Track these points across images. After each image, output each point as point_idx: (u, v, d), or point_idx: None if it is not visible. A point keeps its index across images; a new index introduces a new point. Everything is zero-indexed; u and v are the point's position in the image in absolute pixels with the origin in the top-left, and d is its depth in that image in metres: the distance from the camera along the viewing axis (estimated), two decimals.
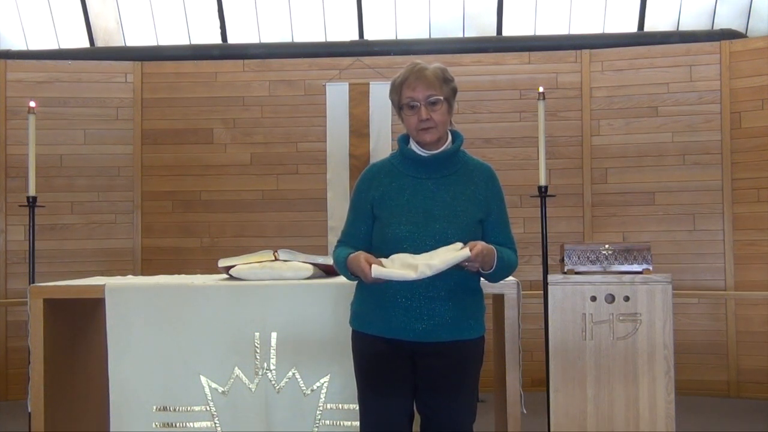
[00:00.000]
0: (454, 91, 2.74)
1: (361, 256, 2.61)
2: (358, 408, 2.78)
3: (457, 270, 2.60)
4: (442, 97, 2.68)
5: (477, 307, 2.74)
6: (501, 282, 3.29)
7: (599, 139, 6.65)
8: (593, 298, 3.70)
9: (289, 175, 6.80)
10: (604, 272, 3.74)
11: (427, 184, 2.70)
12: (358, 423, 2.78)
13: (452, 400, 2.66)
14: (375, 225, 2.74)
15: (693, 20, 7.00)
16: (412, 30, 7.29)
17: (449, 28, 7.29)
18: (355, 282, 2.77)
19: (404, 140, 2.80)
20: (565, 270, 3.79)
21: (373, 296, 2.68)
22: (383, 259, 2.60)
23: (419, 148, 2.74)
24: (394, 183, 2.73)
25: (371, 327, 2.70)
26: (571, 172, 6.64)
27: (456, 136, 2.79)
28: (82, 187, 6.71)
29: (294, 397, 3.36)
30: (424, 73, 2.68)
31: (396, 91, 2.73)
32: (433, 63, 2.76)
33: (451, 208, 2.67)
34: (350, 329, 2.81)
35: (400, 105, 2.73)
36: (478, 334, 2.72)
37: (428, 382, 2.67)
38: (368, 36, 7.19)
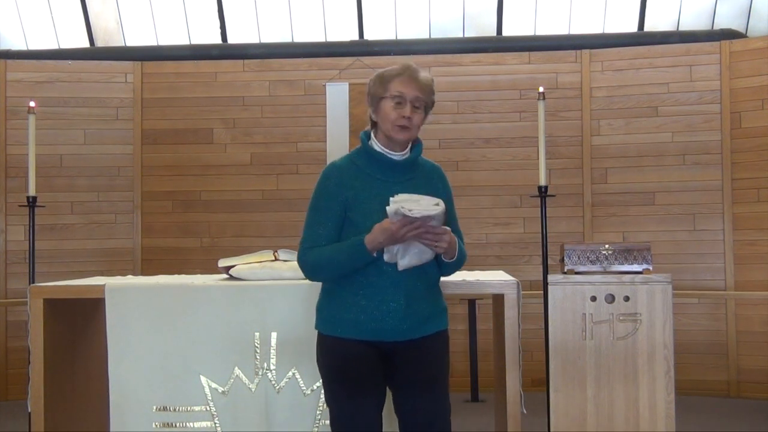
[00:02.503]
0: (433, 104, 2.80)
1: (377, 227, 2.60)
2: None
3: (428, 265, 2.69)
4: (426, 103, 2.75)
5: (442, 300, 2.87)
6: (501, 282, 3.36)
7: (599, 139, 6.65)
8: (593, 298, 3.70)
9: (289, 175, 6.80)
10: (604, 272, 3.74)
11: (396, 188, 2.70)
12: None
13: (431, 391, 2.70)
14: (346, 227, 2.72)
15: (693, 20, 7.00)
16: (412, 30, 7.29)
17: (449, 28, 7.29)
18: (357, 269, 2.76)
19: (367, 137, 2.81)
20: (565, 270, 3.79)
21: (355, 300, 2.68)
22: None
23: (386, 149, 2.75)
24: (364, 186, 2.73)
25: (352, 331, 2.69)
26: (571, 172, 6.64)
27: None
28: (82, 187, 6.71)
29: (294, 397, 3.36)
30: (418, 75, 2.73)
31: (383, 84, 2.75)
32: (423, 72, 2.79)
33: None
34: None
35: (382, 96, 2.74)
36: (446, 326, 2.83)
37: (408, 377, 2.71)
38: (368, 36, 7.19)
